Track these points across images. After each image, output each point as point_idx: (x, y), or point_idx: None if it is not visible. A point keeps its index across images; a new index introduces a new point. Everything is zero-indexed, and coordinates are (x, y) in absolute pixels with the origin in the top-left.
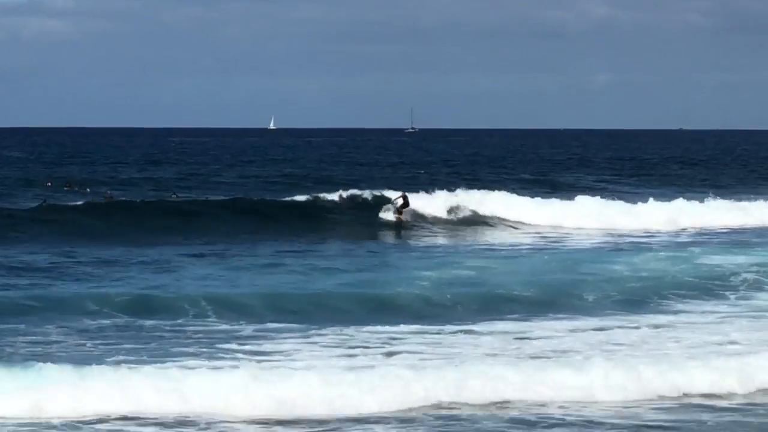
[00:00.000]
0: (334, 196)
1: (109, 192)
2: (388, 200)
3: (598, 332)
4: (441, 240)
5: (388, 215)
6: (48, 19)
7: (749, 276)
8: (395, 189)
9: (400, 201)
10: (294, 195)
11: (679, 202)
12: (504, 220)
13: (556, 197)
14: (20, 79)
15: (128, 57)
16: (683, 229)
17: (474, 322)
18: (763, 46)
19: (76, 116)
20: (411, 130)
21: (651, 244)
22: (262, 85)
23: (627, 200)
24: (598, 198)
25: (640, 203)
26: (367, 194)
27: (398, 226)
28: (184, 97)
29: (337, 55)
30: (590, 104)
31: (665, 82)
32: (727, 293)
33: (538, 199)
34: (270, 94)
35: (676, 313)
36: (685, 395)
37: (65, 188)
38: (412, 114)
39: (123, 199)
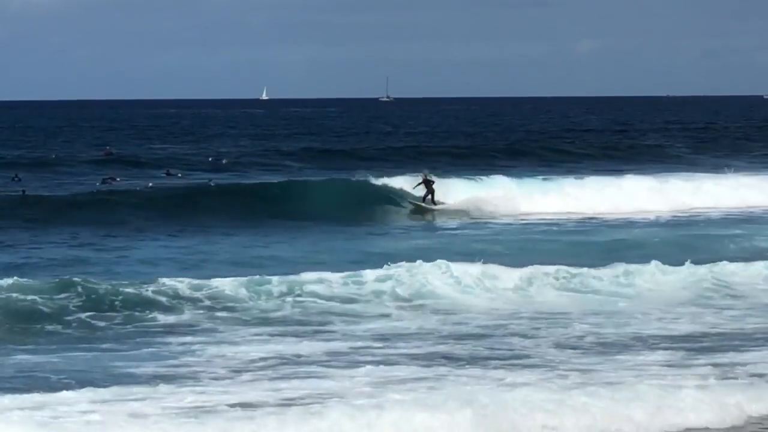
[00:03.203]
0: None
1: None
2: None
3: None
4: None
5: (425, 204)
6: None
7: None
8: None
9: (422, 187)
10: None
11: None
12: None
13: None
14: (4, 52)
15: (114, 29)
16: None
17: None
18: (748, 11)
19: (62, 89)
20: (386, 99)
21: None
22: (246, 56)
23: None
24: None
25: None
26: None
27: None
28: (171, 69)
29: (318, 26)
30: (574, 71)
31: (650, 48)
32: None
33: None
34: (255, 65)
35: None
36: None
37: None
38: (388, 83)
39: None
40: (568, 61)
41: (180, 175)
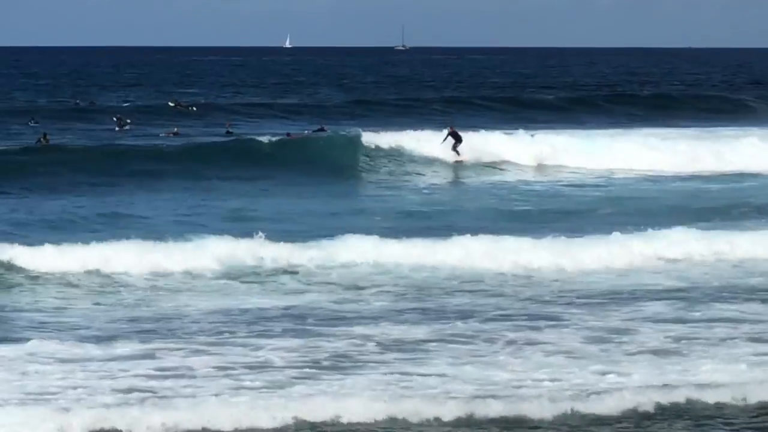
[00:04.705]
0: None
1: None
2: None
3: None
4: None
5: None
6: None
7: None
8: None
9: (449, 138)
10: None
11: None
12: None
13: None
14: None
15: None
16: None
17: None
18: None
19: (76, 35)
20: (401, 48)
21: None
22: (268, 2)
23: None
24: None
25: None
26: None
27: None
28: (192, 16)
29: None
30: (596, 22)
31: None
32: None
33: None
34: (278, 12)
35: None
36: None
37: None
38: (403, 32)
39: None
40: (589, 11)
41: (194, 108)
